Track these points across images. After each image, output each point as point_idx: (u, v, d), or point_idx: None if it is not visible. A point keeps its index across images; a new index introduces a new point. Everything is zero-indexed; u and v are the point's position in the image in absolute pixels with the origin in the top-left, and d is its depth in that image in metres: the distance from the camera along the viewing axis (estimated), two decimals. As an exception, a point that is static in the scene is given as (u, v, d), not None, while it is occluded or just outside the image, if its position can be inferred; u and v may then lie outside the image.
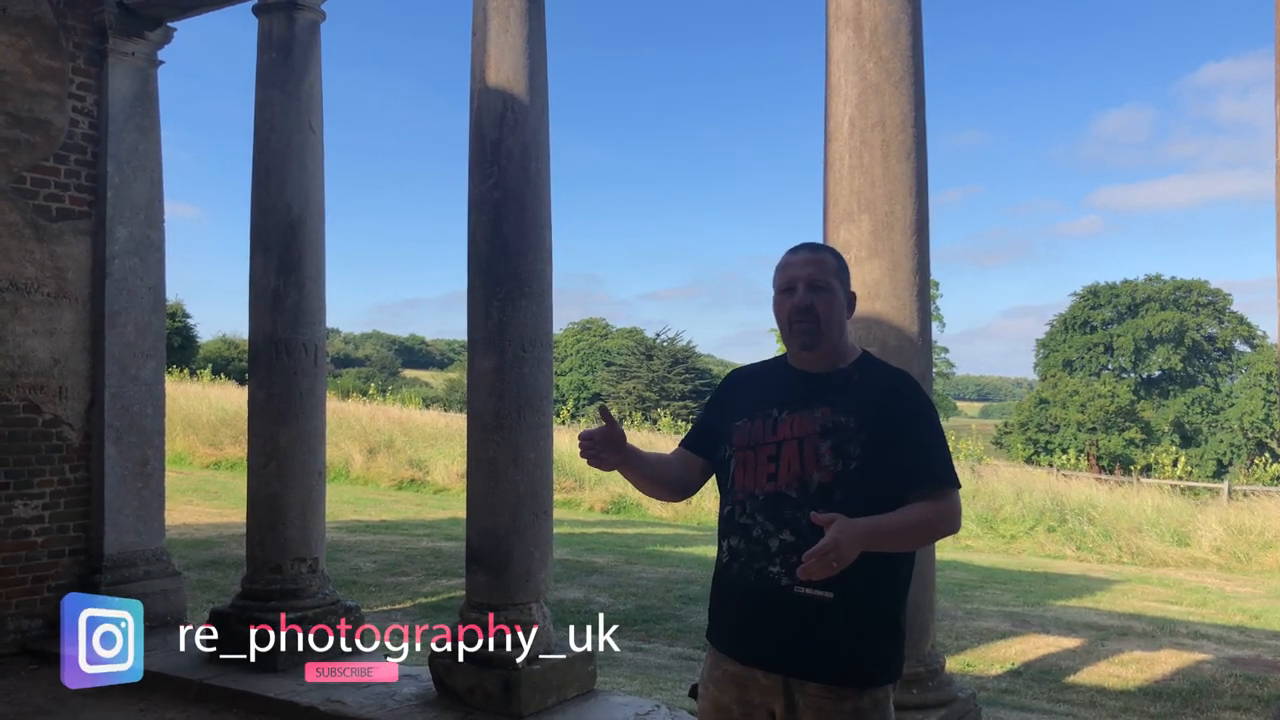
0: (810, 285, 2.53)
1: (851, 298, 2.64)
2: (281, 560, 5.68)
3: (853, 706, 2.39)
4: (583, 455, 2.54)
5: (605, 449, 2.52)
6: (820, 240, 3.94)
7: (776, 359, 2.71)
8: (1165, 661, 7.20)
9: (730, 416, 2.61)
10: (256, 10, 5.89)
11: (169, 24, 6.68)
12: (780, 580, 2.39)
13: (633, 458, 2.60)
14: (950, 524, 2.43)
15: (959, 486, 2.46)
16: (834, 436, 2.41)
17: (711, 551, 2.65)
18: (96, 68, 6.47)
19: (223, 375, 35.13)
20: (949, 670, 4.03)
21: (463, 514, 5.15)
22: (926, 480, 2.40)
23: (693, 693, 2.66)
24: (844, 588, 2.33)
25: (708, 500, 17.51)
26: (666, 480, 2.68)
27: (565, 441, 19.77)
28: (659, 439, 21.99)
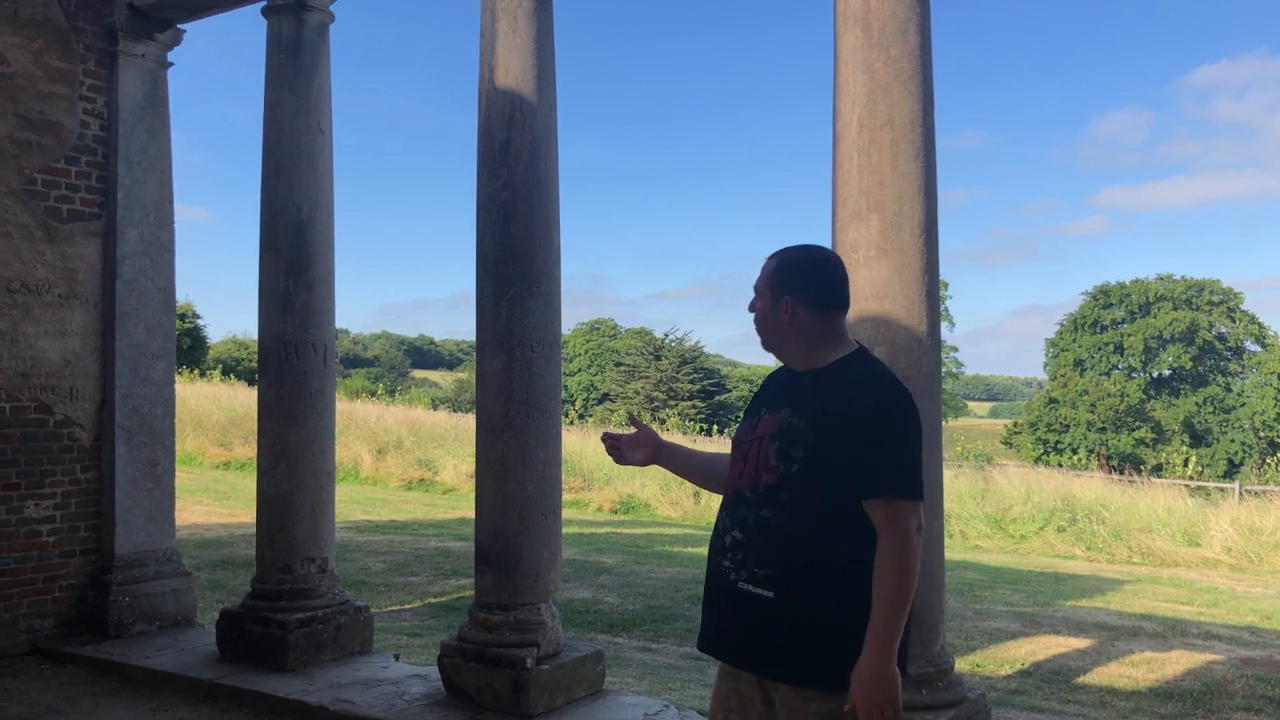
0: (755, 290, 2.65)
1: (792, 303, 2.54)
2: (291, 560, 5.69)
3: (817, 709, 2.37)
4: (609, 453, 2.87)
5: (630, 447, 2.85)
6: (828, 240, 3.95)
7: None
8: (1176, 662, 7.17)
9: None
10: (266, 12, 5.91)
11: (179, 26, 6.71)
12: (729, 575, 2.48)
13: (670, 454, 2.88)
14: (902, 550, 2.31)
15: (910, 496, 2.34)
16: (783, 438, 2.45)
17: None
18: (107, 70, 6.50)
19: (232, 376, 35.30)
20: (958, 670, 4.03)
21: (471, 514, 5.16)
22: (869, 487, 2.33)
23: None
24: (783, 588, 2.38)
25: (715, 500, 17.46)
26: (716, 476, 2.80)
27: (574, 441, 19.87)
28: (667, 439, 21.92)
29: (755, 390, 2.88)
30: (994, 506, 16.38)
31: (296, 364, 5.76)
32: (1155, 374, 52.50)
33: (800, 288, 2.56)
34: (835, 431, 2.37)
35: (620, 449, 2.85)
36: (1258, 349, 51.28)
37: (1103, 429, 46.15)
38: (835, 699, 2.36)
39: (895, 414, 2.40)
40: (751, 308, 2.65)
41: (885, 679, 2.26)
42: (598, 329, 72.79)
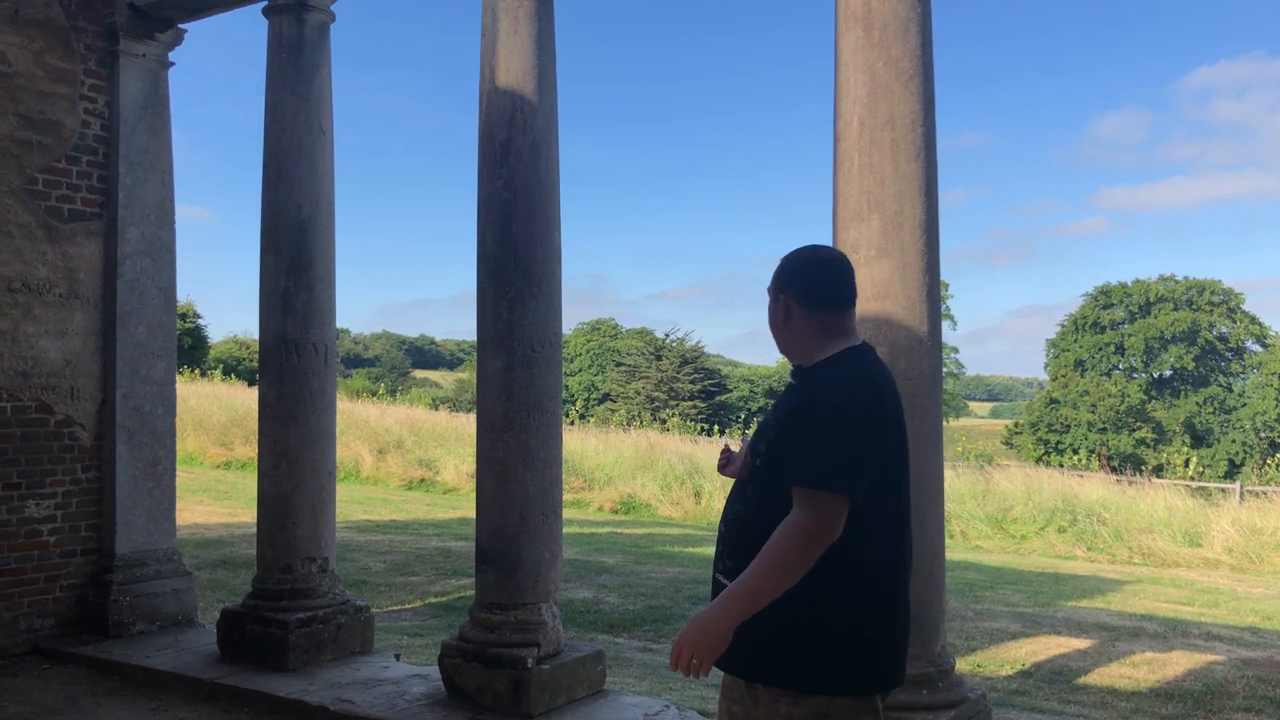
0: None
1: (787, 302, 2.57)
2: (292, 560, 5.69)
3: (788, 711, 2.35)
4: (720, 460, 2.87)
5: (735, 460, 2.80)
6: (830, 240, 3.94)
7: None
8: (1177, 663, 7.16)
9: None
10: (267, 12, 5.91)
11: (180, 25, 6.71)
12: (716, 566, 2.58)
13: None
14: (799, 528, 2.27)
15: (828, 489, 2.28)
16: (756, 435, 2.58)
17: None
18: (108, 69, 6.50)
19: (233, 375, 35.35)
20: (959, 671, 4.02)
21: (472, 514, 5.16)
22: (795, 474, 2.33)
23: None
24: None
25: (716, 500, 17.51)
26: None
27: (575, 441, 19.87)
28: (666, 439, 21.97)
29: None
30: (995, 507, 16.38)
31: (297, 364, 5.76)
32: (1156, 374, 52.46)
33: (795, 287, 2.57)
34: (790, 427, 2.42)
35: (730, 460, 2.85)
36: (1259, 349, 51.25)
37: (1103, 429, 46.13)
38: (805, 703, 2.34)
39: (839, 407, 2.35)
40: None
41: (713, 634, 2.27)
42: (598, 329, 72.78)
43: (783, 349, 2.66)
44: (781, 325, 2.60)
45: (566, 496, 15.64)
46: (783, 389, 2.71)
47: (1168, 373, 52.29)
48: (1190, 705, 6.13)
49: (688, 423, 38.01)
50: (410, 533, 13.16)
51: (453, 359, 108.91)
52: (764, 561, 2.28)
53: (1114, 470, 29.69)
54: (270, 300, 5.82)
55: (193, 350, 40.03)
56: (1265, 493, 18.11)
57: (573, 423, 29.77)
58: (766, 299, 2.68)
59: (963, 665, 6.62)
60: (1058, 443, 46.80)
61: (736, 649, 2.39)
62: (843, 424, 2.33)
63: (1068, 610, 9.41)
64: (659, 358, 56.22)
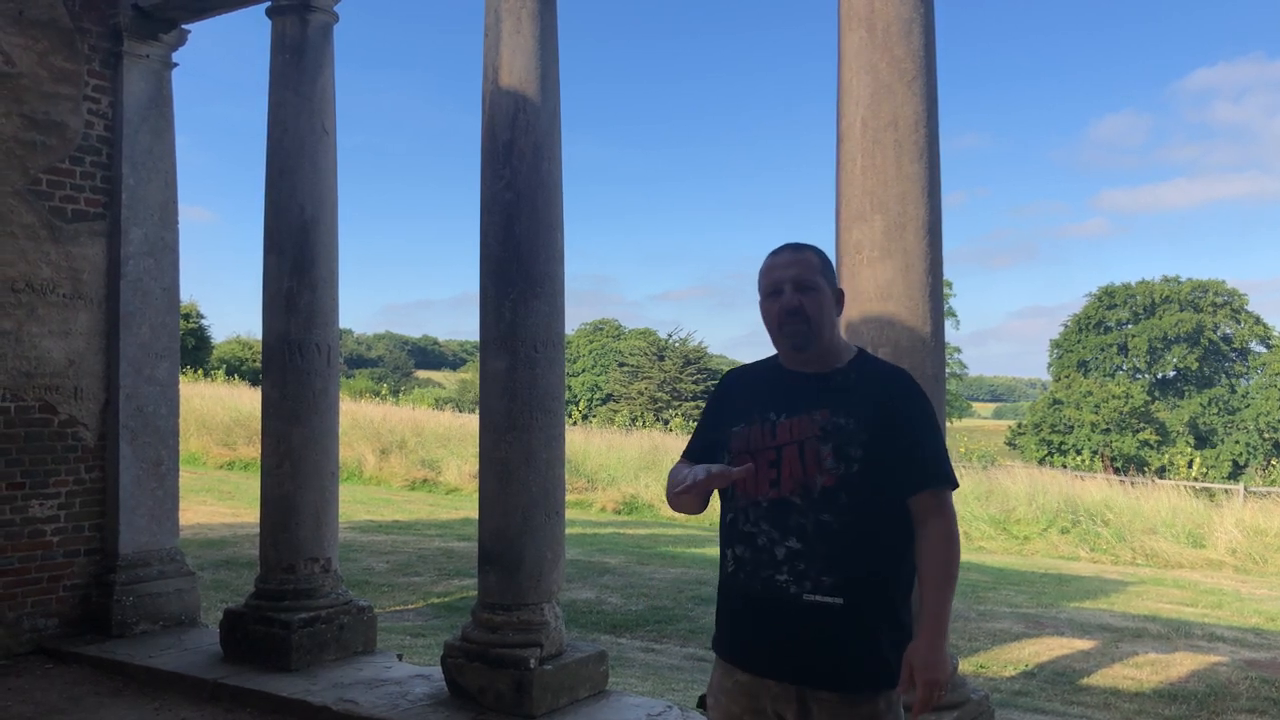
0: (797, 285, 2.49)
1: (839, 294, 2.60)
2: (295, 560, 5.70)
3: (869, 711, 2.38)
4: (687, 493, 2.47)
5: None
6: (831, 240, 3.94)
7: (770, 360, 2.64)
8: (1180, 664, 7.15)
9: (727, 422, 2.58)
10: (270, 12, 5.92)
11: (183, 26, 6.71)
12: (789, 588, 2.37)
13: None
14: (954, 536, 2.42)
15: (956, 486, 2.46)
16: (835, 439, 2.38)
17: (723, 552, 2.65)
18: (111, 70, 6.51)
19: (236, 376, 35.39)
20: (962, 672, 4.02)
21: (475, 514, 5.16)
22: (922, 478, 2.40)
23: (701, 703, 2.66)
24: (851, 593, 2.35)
25: (718, 501, 17.48)
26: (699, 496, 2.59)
27: (578, 442, 19.87)
28: (669, 439, 21.97)
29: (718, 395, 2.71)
30: (998, 508, 16.35)
31: (300, 364, 5.76)
32: (1160, 375, 52.38)
33: (835, 281, 2.64)
34: (891, 428, 2.39)
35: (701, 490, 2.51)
36: (1263, 350, 51.16)
37: (1107, 430, 46.06)
38: (882, 698, 2.40)
39: (929, 404, 2.51)
40: (790, 304, 2.49)
41: (943, 660, 2.33)
42: (601, 329, 72.76)
43: (812, 343, 2.49)
44: (832, 319, 2.55)
45: (569, 497, 15.63)
46: (793, 389, 2.51)
47: (1171, 373, 52.21)
48: (1194, 706, 6.12)
49: (691, 423, 38.00)
50: (413, 533, 13.17)
51: (455, 359, 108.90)
52: (948, 579, 2.38)
53: (1117, 471, 29.64)
54: (273, 301, 5.82)
55: (196, 351, 40.07)
56: (1269, 493, 18.08)
57: (575, 423, 29.74)
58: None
59: (966, 666, 6.61)
60: (1061, 444, 46.75)
61: (840, 663, 2.36)
62: (937, 420, 2.54)
63: (1071, 611, 9.40)
64: (662, 358, 56.18)
